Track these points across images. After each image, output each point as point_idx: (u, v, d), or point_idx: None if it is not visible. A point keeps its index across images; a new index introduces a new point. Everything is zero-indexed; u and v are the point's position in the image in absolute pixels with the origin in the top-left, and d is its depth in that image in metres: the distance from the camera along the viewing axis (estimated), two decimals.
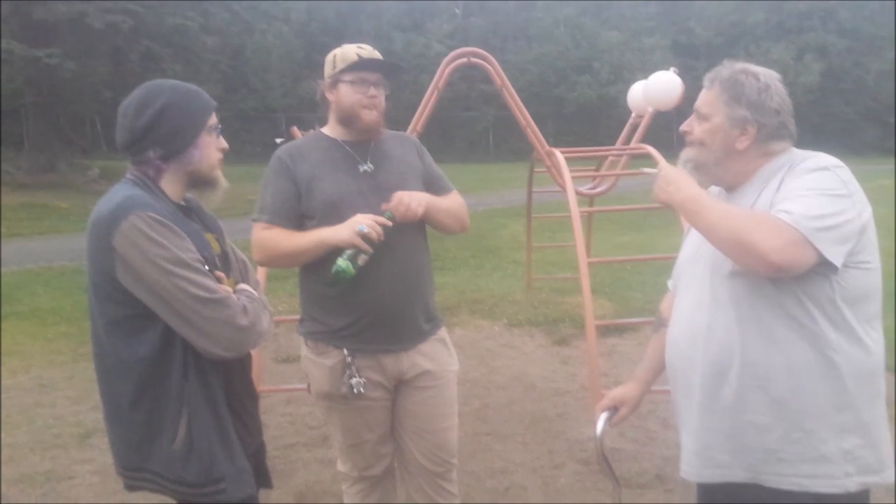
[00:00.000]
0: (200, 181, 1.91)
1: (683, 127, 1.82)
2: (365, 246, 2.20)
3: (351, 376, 2.36)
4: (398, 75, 2.53)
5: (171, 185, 1.86)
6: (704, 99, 1.78)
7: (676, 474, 3.55)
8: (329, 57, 2.43)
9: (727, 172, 1.77)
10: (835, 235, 1.55)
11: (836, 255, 1.55)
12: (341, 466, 2.64)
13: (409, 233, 2.40)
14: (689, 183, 1.71)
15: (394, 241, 2.31)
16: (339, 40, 2.79)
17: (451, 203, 2.51)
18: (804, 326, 1.63)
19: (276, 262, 2.41)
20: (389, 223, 2.24)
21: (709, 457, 1.76)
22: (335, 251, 2.23)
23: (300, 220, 2.35)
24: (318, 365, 2.44)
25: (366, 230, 2.18)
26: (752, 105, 1.72)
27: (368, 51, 2.41)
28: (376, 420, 2.49)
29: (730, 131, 1.74)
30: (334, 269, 2.20)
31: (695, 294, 1.80)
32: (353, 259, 2.20)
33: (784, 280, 1.61)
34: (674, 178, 1.73)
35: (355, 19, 33.80)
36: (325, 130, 2.50)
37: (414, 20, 36.13)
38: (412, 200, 2.29)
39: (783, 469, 1.67)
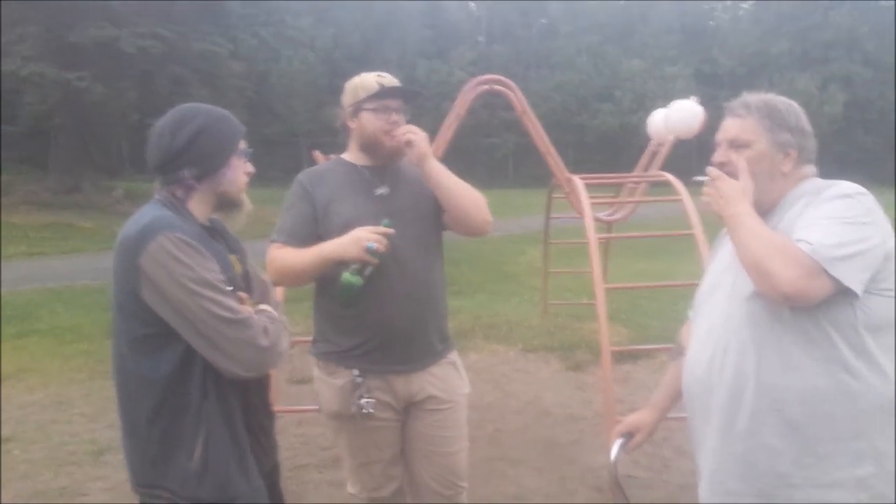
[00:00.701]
0: (228, 203, 1.95)
1: (719, 158, 1.81)
2: (374, 261, 2.23)
3: (360, 396, 2.38)
4: (417, 100, 2.58)
5: (198, 205, 1.90)
6: (742, 127, 1.78)
7: (690, 502, 3.52)
8: (349, 86, 2.48)
9: (766, 197, 1.76)
10: (855, 263, 1.55)
11: (856, 283, 1.55)
12: (351, 488, 2.64)
13: (423, 253, 2.43)
14: (740, 200, 1.71)
15: (407, 262, 2.35)
16: (364, 67, 2.85)
17: (467, 186, 2.46)
18: (823, 351, 1.62)
19: (285, 278, 2.41)
20: (392, 231, 2.26)
21: (720, 482, 1.75)
22: (341, 266, 2.26)
23: (316, 243, 2.37)
24: (328, 385, 2.46)
25: (375, 247, 2.21)
26: (793, 129, 1.76)
27: (388, 79, 2.46)
28: (385, 441, 2.50)
29: (775, 156, 1.76)
30: (342, 282, 2.24)
31: (712, 319, 1.80)
32: (359, 272, 2.24)
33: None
34: (727, 192, 1.73)
35: (379, 46, 34.16)
36: (346, 156, 2.56)
37: (437, 48, 36.45)
38: (405, 132, 2.35)
39: (793, 494, 1.65)
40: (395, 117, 2.42)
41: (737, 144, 1.78)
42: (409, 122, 2.48)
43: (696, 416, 1.85)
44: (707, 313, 1.85)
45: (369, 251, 2.21)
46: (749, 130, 1.77)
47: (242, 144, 1.95)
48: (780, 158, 1.76)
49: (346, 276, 2.24)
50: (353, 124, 2.48)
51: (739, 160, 1.76)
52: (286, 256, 2.37)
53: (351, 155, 2.54)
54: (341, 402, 2.42)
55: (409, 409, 2.50)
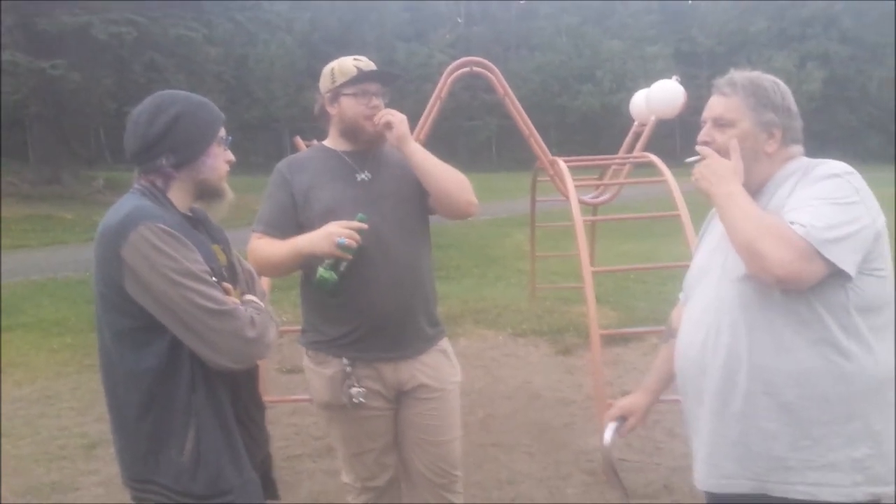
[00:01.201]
0: (208, 192, 1.91)
1: (703, 137, 1.79)
2: (346, 256, 2.20)
3: (350, 386, 2.37)
4: (396, 82, 2.56)
5: (179, 195, 1.86)
6: (726, 105, 1.76)
7: (683, 484, 3.55)
8: (326, 71, 2.45)
9: (751, 178, 1.74)
10: (847, 244, 1.55)
11: (849, 264, 1.55)
12: (345, 477, 2.63)
13: (407, 238, 2.41)
14: (730, 179, 1.69)
15: (390, 247, 2.34)
16: (343, 50, 2.81)
17: (449, 167, 2.43)
18: (815, 333, 1.62)
19: (265, 269, 2.39)
20: (365, 226, 2.24)
21: (714, 465, 1.75)
22: (316, 259, 2.23)
23: (296, 231, 2.35)
24: (318, 374, 2.45)
25: (346, 242, 2.18)
26: (778, 108, 1.74)
27: (365, 62, 2.43)
28: (377, 430, 2.49)
29: (759, 135, 1.74)
30: (317, 278, 2.22)
31: (704, 300, 1.80)
32: (333, 267, 2.22)
33: None
34: (717, 170, 1.72)
35: (358, 29, 33.89)
36: (327, 143, 2.53)
37: (416, 30, 36.27)
38: (384, 114, 2.34)
39: (789, 477, 1.65)
40: (374, 101, 2.39)
41: (721, 123, 1.77)
42: (389, 105, 2.45)
43: (689, 399, 1.85)
44: (698, 295, 1.84)
45: (340, 247, 2.18)
46: (733, 109, 1.75)
47: (222, 132, 1.90)
48: (764, 139, 1.74)
49: (321, 271, 2.21)
50: (332, 110, 2.45)
51: (731, 139, 1.75)
52: (265, 248, 2.35)
53: (331, 141, 2.51)
54: (332, 392, 2.41)
55: (400, 397, 2.49)
